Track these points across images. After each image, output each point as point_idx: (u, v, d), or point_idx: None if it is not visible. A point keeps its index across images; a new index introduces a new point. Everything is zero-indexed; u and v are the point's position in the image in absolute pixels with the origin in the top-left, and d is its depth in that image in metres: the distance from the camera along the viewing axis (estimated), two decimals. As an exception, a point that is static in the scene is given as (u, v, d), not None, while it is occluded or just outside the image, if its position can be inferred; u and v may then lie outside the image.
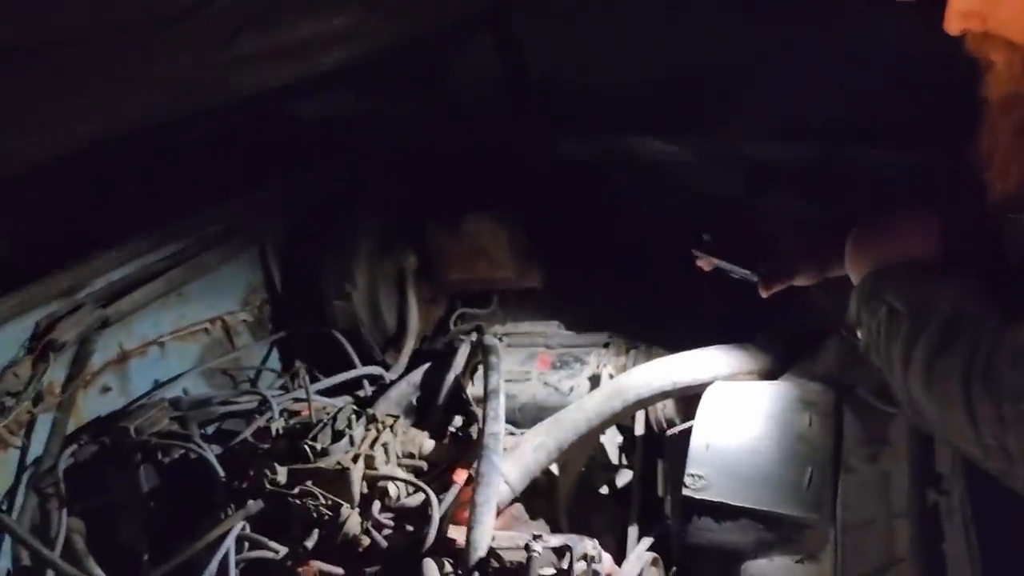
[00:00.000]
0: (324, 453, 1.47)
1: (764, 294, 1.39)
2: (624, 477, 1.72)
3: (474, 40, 2.15)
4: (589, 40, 2.15)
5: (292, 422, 1.59)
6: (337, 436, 1.51)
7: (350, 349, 1.89)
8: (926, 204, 1.22)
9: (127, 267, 1.65)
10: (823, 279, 1.39)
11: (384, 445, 1.52)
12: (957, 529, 0.94)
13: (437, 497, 1.41)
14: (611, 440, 1.68)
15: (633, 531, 1.50)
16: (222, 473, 1.50)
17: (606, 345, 1.81)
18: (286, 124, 1.98)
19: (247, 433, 1.60)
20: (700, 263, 1.44)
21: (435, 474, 1.53)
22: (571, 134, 2.20)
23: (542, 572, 1.17)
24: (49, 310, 1.51)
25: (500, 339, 1.91)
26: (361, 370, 1.85)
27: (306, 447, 1.47)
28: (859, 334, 1.13)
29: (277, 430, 1.57)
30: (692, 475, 1.17)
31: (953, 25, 1.03)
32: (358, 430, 1.52)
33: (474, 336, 1.84)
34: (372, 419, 1.56)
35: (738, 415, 1.27)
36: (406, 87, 2.11)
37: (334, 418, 1.55)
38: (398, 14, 1.79)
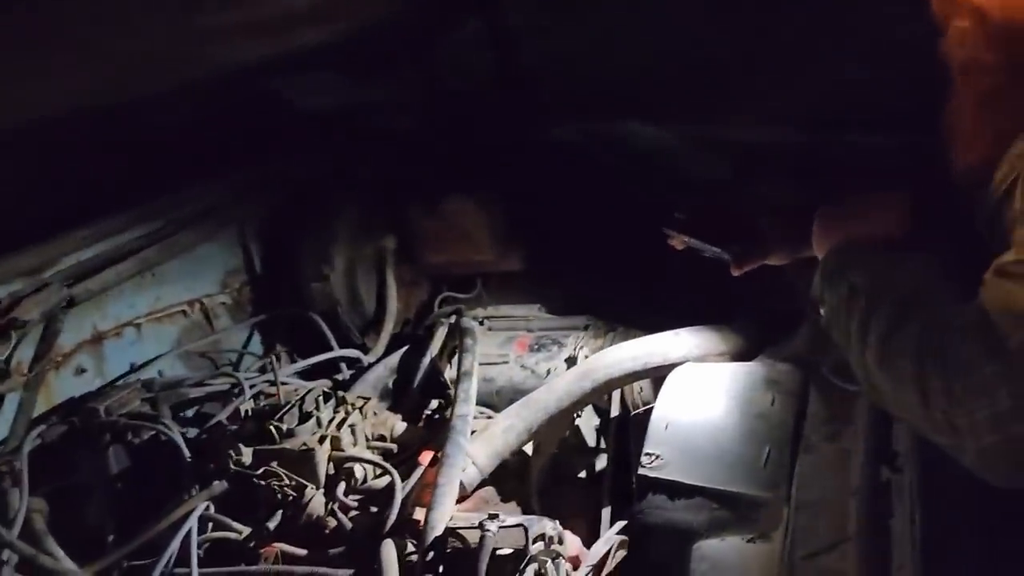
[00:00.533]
0: (290, 434, 1.46)
1: (736, 273, 1.36)
2: (601, 460, 1.69)
3: (463, 20, 2.12)
4: (578, 23, 2.12)
5: (262, 404, 1.58)
6: (304, 418, 1.50)
7: (327, 331, 1.88)
8: (894, 182, 1.20)
9: (97, 246, 1.63)
10: (796, 259, 1.36)
11: (352, 427, 1.50)
12: (905, 506, 0.91)
13: (404, 479, 1.40)
14: (587, 422, 1.65)
15: (606, 513, 1.48)
16: (188, 454, 1.49)
17: (586, 328, 1.79)
18: (266, 103, 1.96)
19: (222, 416, 1.59)
20: (672, 241, 1.42)
21: (405, 456, 1.52)
22: (557, 117, 2.18)
23: (500, 551, 1.14)
24: (12, 288, 1.49)
25: (481, 322, 1.90)
26: (338, 352, 1.84)
27: (272, 428, 1.46)
28: (822, 311, 1.10)
29: (246, 411, 1.56)
30: (649, 454, 1.15)
31: None
32: (326, 412, 1.50)
33: (453, 319, 1.82)
34: (341, 401, 1.54)
35: (701, 395, 1.24)
36: (391, 67, 2.08)
37: (302, 399, 1.54)
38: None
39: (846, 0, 1.67)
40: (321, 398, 1.54)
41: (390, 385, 1.78)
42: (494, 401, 1.74)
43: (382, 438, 1.57)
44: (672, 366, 1.43)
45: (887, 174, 1.31)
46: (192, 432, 1.61)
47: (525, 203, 1.96)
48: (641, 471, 1.14)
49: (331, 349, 1.87)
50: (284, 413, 1.49)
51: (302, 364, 1.82)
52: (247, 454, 1.44)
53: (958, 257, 1.05)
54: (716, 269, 1.41)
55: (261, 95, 1.92)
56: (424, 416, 1.70)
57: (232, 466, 1.44)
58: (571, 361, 1.69)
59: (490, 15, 2.09)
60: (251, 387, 1.65)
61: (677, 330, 1.51)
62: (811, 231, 1.24)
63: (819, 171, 1.93)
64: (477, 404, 1.66)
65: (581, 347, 1.70)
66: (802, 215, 1.33)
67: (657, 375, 1.46)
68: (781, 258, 1.37)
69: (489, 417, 1.66)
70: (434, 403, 1.73)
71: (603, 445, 1.68)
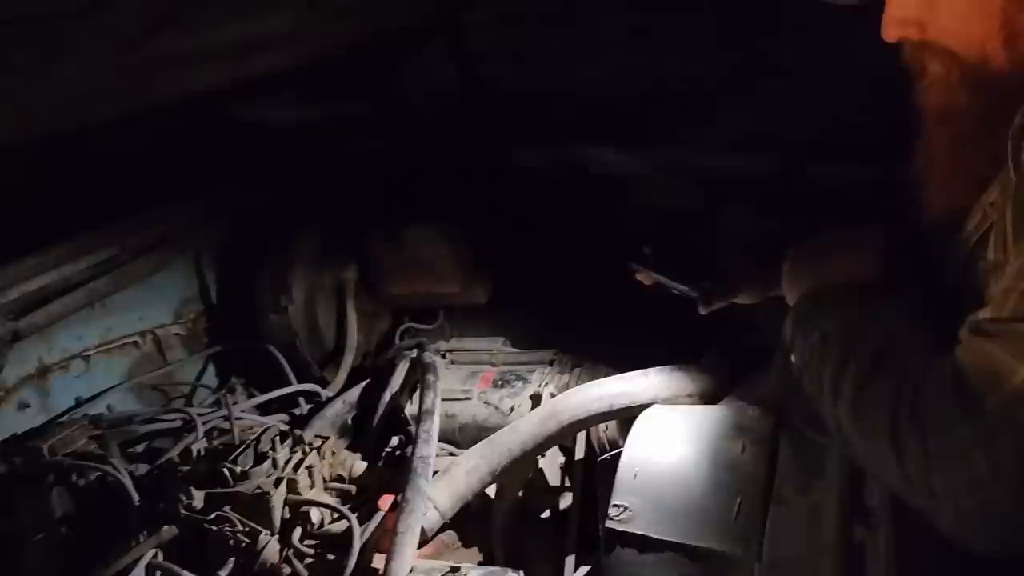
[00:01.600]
0: (244, 476, 1.40)
1: (703, 311, 1.34)
2: (566, 500, 1.65)
3: (428, 45, 2.09)
4: (546, 48, 2.10)
5: (215, 442, 1.52)
6: (260, 458, 1.45)
7: (286, 365, 1.82)
8: (868, 223, 1.18)
9: (43, 277, 1.57)
10: (766, 298, 1.35)
11: (309, 468, 1.45)
12: (880, 568, 0.89)
13: (362, 524, 1.35)
14: (551, 462, 1.61)
15: (570, 561, 1.44)
16: (136, 497, 1.42)
17: (551, 363, 1.76)
18: (225, 129, 1.91)
19: (172, 454, 1.53)
20: (640, 276, 1.39)
21: (365, 499, 1.47)
22: (525, 144, 2.15)
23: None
24: (-48, 323, 1.43)
25: (443, 356, 1.85)
26: (295, 387, 1.78)
27: (225, 470, 1.40)
28: (793, 359, 1.08)
29: (199, 451, 1.50)
30: (617, 505, 1.11)
31: (890, 32, 0.99)
32: (282, 452, 1.45)
33: (415, 353, 1.78)
34: (298, 440, 1.49)
35: (670, 441, 1.21)
36: (354, 93, 2.05)
37: (257, 439, 1.48)
38: (342, 15, 1.73)
39: (817, 29, 1.68)
40: (278, 438, 1.49)
41: (349, 421, 1.73)
42: (457, 438, 1.70)
43: (340, 479, 1.52)
44: (640, 407, 1.40)
45: (861, 210, 1.30)
46: (143, 471, 1.55)
47: (490, 232, 1.92)
48: (609, 524, 1.11)
49: (289, 383, 1.81)
50: (238, 454, 1.43)
51: (258, 399, 1.76)
52: (198, 498, 1.38)
53: (933, 303, 1.04)
54: (685, 305, 1.39)
55: (220, 121, 1.87)
56: (384, 454, 1.66)
57: (182, 511, 1.37)
58: (536, 398, 1.65)
59: (454, 40, 2.07)
60: (204, 424, 1.59)
61: (646, 370, 1.48)
62: (778, 268, 1.22)
63: (791, 203, 1.93)
64: (439, 441, 1.62)
65: (546, 383, 1.67)
66: (772, 254, 1.31)
67: (624, 416, 1.43)
68: (750, 297, 1.35)
69: (451, 455, 1.62)
70: (395, 440, 1.68)
71: (568, 485, 1.65)
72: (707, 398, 1.44)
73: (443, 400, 1.70)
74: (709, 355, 1.54)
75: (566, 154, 2.10)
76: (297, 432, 1.51)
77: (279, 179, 1.95)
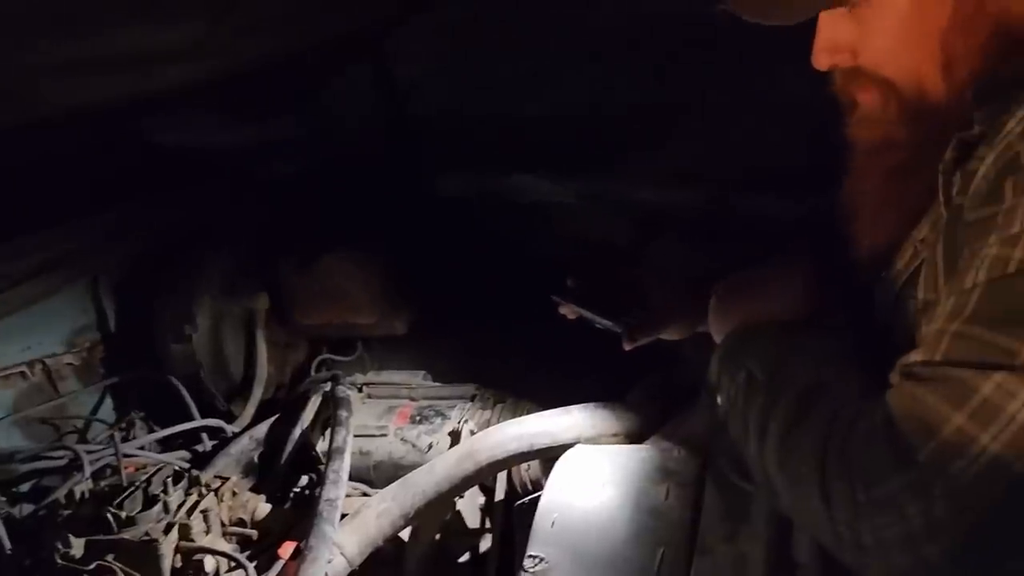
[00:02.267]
0: (130, 522, 1.28)
1: (628, 347, 1.28)
2: (486, 543, 1.57)
3: (352, 65, 2.02)
4: (470, 73, 2.05)
5: (102, 484, 1.39)
6: (150, 502, 1.33)
7: (188, 399, 1.70)
8: (797, 259, 1.14)
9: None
10: (693, 333, 1.30)
11: (205, 512, 1.33)
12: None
13: (261, 573, 1.25)
14: (470, 503, 1.53)
15: (487, 610, 1.36)
16: (8, 545, 1.29)
17: (473, 398, 1.68)
18: (127, 144, 1.79)
19: (58, 495, 1.41)
20: (563, 310, 1.33)
21: (267, 544, 1.36)
22: (449, 170, 2.09)
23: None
24: None
25: (360, 389, 1.76)
26: (198, 422, 1.66)
27: (109, 515, 1.28)
28: (719, 399, 1.03)
29: (83, 493, 1.37)
30: (532, 556, 1.04)
31: (821, 59, 0.94)
32: (175, 494, 1.33)
33: (329, 386, 1.68)
34: (194, 481, 1.38)
35: (590, 485, 1.14)
36: (271, 111, 1.95)
37: (148, 480, 1.37)
38: (258, 29, 1.64)
39: (751, 60, 1.66)
40: (171, 479, 1.38)
41: (256, 459, 1.62)
42: (371, 477, 1.60)
43: (242, 522, 1.41)
44: (562, 447, 1.33)
45: (792, 244, 1.26)
46: (27, 513, 1.42)
47: (411, 261, 1.84)
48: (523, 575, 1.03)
49: (192, 418, 1.69)
50: (125, 497, 1.31)
51: (156, 435, 1.64)
52: (77, 546, 1.26)
53: (863, 342, 1.00)
54: (612, 339, 1.33)
55: (121, 135, 1.76)
56: (293, 495, 1.55)
57: (59, 560, 1.25)
58: (455, 435, 1.57)
59: (378, 61, 2.00)
60: (93, 462, 1.47)
61: (569, 407, 1.42)
62: (708, 306, 1.17)
63: (721, 236, 1.91)
64: (352, 480, 1.53)
65: (466, 420, 1.59)
66: (699, 288, 1.27)
67: (546, 456, 1.36)
68: (676, 332, 1.30)
69: (365, 495, 1.53)
70: (304, 480, 1.58)
71: (488, 526, 1.57)
72: (632, 437, 1.38)
73: (358, 436, 1.61)
74: (635, 392, 1.48)
75: (493, 182, 2.04)
76: (194, 472, 1.40)
77: (187, 199, 1.84)
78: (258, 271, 1.79)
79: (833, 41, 0.92)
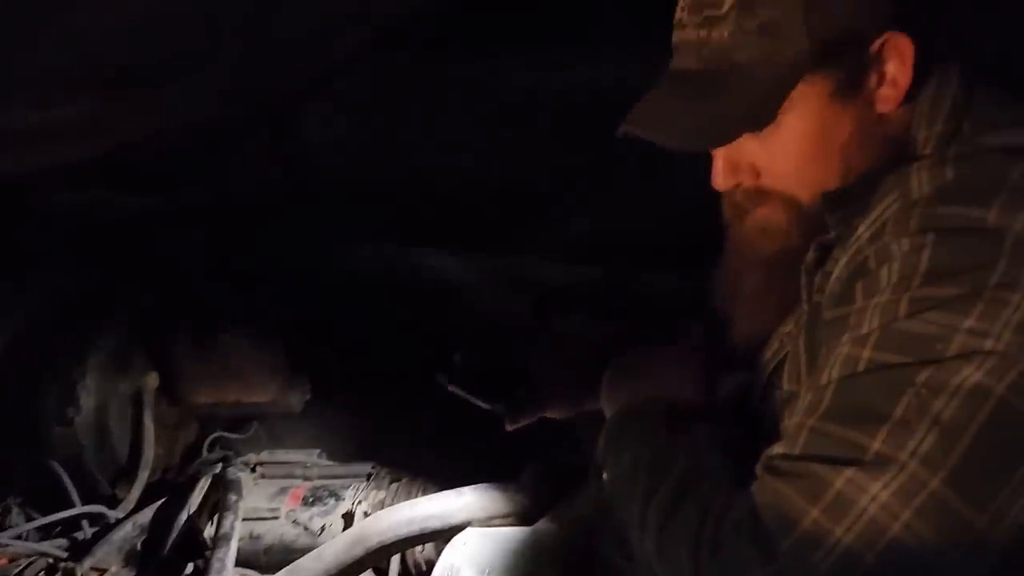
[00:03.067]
0: (-3, 620, 1.22)
1: (509, 428, 1.27)
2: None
3: (252, 135, 2.01)
4: (377, 143, 2.07)
5: (-32, 580, 1.32)
6: (18, 599, 1.27)
7: (69, 484, 1.62)
8: (692, 343, 1.17)
9: None
10: (578, 413, 1.31)
11: (78, 608, 1.28)
12: None
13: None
14: (363, 587, 1.50)
15: None
16: None
17: (368, 477, 1.66)
18: (18, 218, 1.74)
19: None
20: (450, 388, 1.33)
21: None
22: (351, 243, 2.09)
23: None
24: None
25: (254, 469, 1.72)
26: (78, 509, 1.59)
27: (-28, 614, 1.21)
28: (605, 478, 1.04)
29: (-55, 591, 1.30)
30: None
31: (721, 180, 0.96)
32: (48, 589, 1.27)
33: (219, 467, 1.64)
34: (69, 573, 1.32)
35: (479, 571, 1.14)
36: (167, 182, 1.92)
37: (21, 573, 1.30)
38: (152, 105, 1.63)
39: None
40: (44, 572, 1.31)
41: (139, 547, 1.56)
42: (262, 561, 1.56)
43: (119, 616, 1.35)
44: (453, 529, 1.32)
45: (689, 327, 1.29)
46: None
47: (308, 337, 1.82)
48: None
49: (72, 504, 1.62)
50: (-9, 595, 1.25)
51: (33, 523, 1.55)
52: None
53: (742, 429, 1.03)
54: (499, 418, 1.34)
55: (12, 209, 1.70)
56: (177, 585, 1.49)
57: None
58: (348, 517, 1.55)
59: (281, 133, 2.00)
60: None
61: (461, 488, 1.42)
62: (590, 381, 1.19)
63: (619, 313, 1.95)
64: (242, 566, 1.49)
65: (360, 501, 1.57)
66: (585, 367, 1.29)
67: (437, 539, 1.35)
68: (560, 412, 1.30)
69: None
70: (190, 568, 1.52)
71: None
72: (524, 518, 1.38)
73: (249, 520, 1.57)
74: (528, 471, 1.49)
75: (394, 256, 2.05)
76: (69, 564, 1.34)
77: (72, 272, 1.78)
78: (148, 348, 1.74)
79: (735, 162, 0.94)
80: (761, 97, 0.86)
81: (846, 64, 0.86)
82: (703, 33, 0.88)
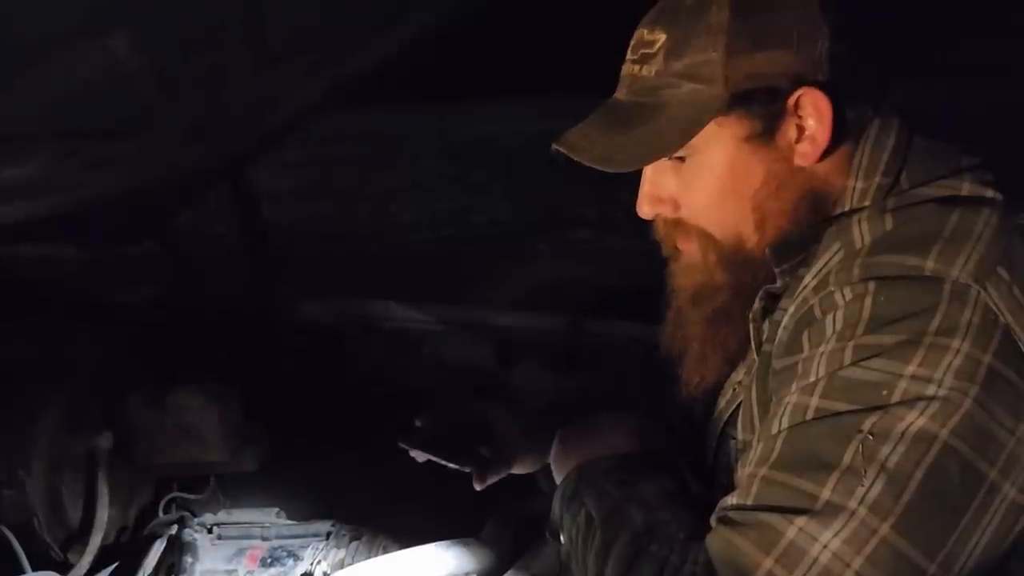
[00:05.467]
0: None
1: (479, 487, 1.27)
2: None
3: (207, 191, 2.00)
4: (334, 196, 2.08)
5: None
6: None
7: (19, 549, 1.57)
8: (633, 402, 1.18)
9: None
10: (543, 466, 1.31)
11: None
12: None
13: None
14: (323, 650, 1.47)
15: None
16: None
17: (328, 535, 1.62)
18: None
19: None
20: (413, 454, 1.32)
21: None
22: (308, 297, 2.08)
23: None
24: None
25: (211, 530, 1.68)
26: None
27: None
28: (562, 539, 1.04)
29: None
30: None
31: (645, 209, 1.01)
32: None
33: (174, 529, 1.60)
34: (15, 646, 1.27)
35: (440, 631, 1.12)
36: (121, 239, 1.91)
37: (-37, 648, 1.25)
38: (104, 164, 1.62)
39: (609, 182, 1.74)
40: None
41: (91, 614, 1.51)
42: (220, 626, 1.52)
43: None
44: (415, 588, 1.30)
45: (644, 371, 1.30)
46: None
47: (266, 392, 1.80)
48: None
49: (22, 570, 1.56)
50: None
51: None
52: None
53: (696, 479, 1.03)
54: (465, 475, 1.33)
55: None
56: (129, 653, 1.45)
57: None
58: (307, 577, 1.51)
59: (237, 188, 2.00)
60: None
61: (424, 546, 1.40)
62: (551, 436, 1.19)
63: (576, 362, 1.95)
64: (197, 631, 1.44)
65: (319, 560, 1.53)
66: (547, 420, 1.29)
67: (398, 599, 1.32)
68: (527, 466, 1.31)
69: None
70: (143, 635, 1.48)
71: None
72: (488, 574, 1.36)
73: (204, 583, 1.53)
74: (490, 526, 1.47)
75: (353, 307, 2.05)
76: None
77: (24, 331, 1.74)
78: (102, 408, 1.70)
79: (657, 193, 0.99)
80: (671, 130, 0.91)
81: (758, 112, 0.91)
82: (636, 69, 0.95)
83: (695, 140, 0.92)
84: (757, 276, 0.96)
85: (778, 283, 0.93)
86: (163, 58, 1.24)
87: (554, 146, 0.98)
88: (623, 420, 1.10)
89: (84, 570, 1.61)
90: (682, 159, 0.95)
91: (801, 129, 0.91)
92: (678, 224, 1.00)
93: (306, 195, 2.02)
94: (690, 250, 1.01)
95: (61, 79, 1.17)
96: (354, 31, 1.49)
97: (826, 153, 0.91)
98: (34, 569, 1.58)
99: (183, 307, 1.88)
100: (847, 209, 0.90)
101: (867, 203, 0.89)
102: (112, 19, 1.10)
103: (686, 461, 1.04)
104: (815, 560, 0.74)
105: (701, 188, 0.96)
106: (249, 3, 1.24)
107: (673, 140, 0.92)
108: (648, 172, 1.00)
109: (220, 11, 1.23)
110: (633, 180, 1.04)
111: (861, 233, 0.86)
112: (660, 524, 0.90)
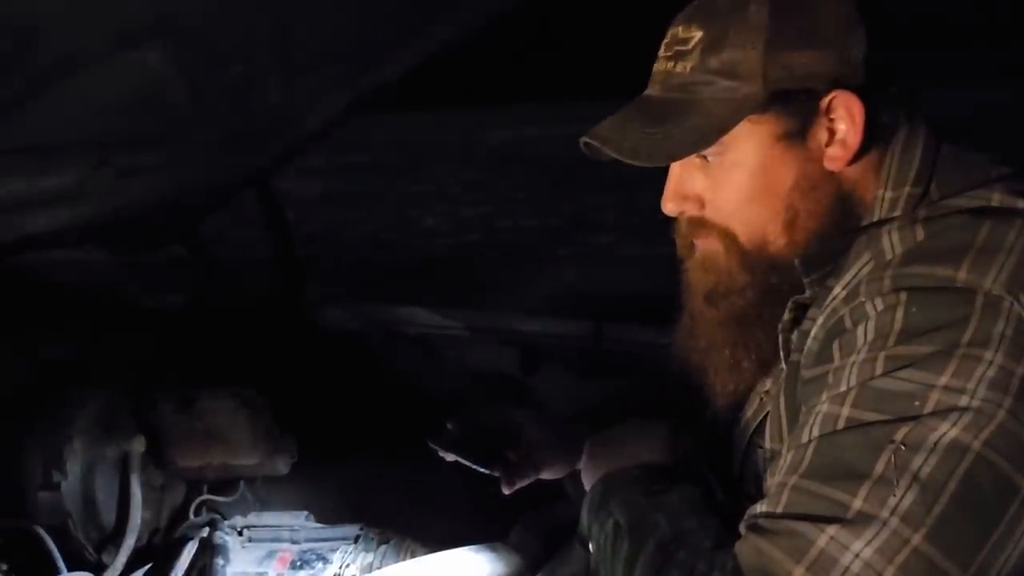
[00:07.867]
0: None
1: (507, 491, 1.29)
2: None
3: (235, 199, 2.03)
4: (359, 204, 2.09)
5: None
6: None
7: (54, 549, 1.59)
8: (661, 410, 1.19)
9: None
10: (572, 471, 1.32)
11: None
12: None
13: None
14: (351, 653, 1.48)
15: None
16: None
17: (356, 539, 1.64)
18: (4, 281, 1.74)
19: None
20: (442, 454, 1.33)
21: None
22: (336, 302, 2.11)
23: None
24: None
25: (241, 532, 1.70)
26: (63, 576, 1.56)
27: None
28: (590, 547, 1.05)
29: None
30: None
31: (670, 206, 1.01)
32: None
33: (206, 531, 1.62)
34: (52, 647, 1.29)
35: (469, 636, 1.13)
36: (152, 246, 1.94)
37: (1, 649, 1.27)
38: (137, 173, 1.65)
39: (629, 187, 1.75)
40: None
41: (125, 614, 1.53)
42: (250, 627, 1.54)
43: None
44: (443, 593, 1.31)
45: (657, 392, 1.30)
46: None
47: (294, 398, 1.82)
48: None
49: (58, 570, 1.59)
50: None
51: (15, 592, 1.53)
52: None
53: (723, 489, 1.04)
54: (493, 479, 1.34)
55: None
56: (164, 654, 1.47)
57: None
58: (337, 580, 1.53)
59: (264, 196, 2.02)
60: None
61: (452, 550, 1.41)
62: (581, 442, 1.20)
63: (601, 368, 1.96)
64: (229, 633, 1.46)
65: (348, 563, 1.55)
66: (575, 426, 1.30)
67: (427, 603, 1.34)
68: (555, 472, 1.32)
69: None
70: (177, 636, 1.51)
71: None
72: (514, 580, 1.37)
73: (236, 584, 1.55)
74: (517, 530, 1.48)
75: (379, 314, 2.07)
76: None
77: (61, 336, 1.78)
78: (135, 411, 1.73)
79: (683, 190, 0.99)
80: (706, 126, 0.91)
81: (794, 112, 0.91)
82: (671, 65, 0.95)
83: (726, 137, 0.92)
84: (783, 280, 0.96)
85: (807, 293, 0.93)
86: (194, 71, 1.26)
87: (584, 139, 0.98)
88: (651, 429, 1.10)
89: (118, 571, 1.64)
90: (708, 157, 0.96)
91: (832, 132, 0.91)
92: (701, 223, 1.00)
93: (331, 201, 2.04)
94: (709, 248, 1.00)
95: (96, 91, 1.20)
96: (379, 43, 1.51)
97: (855, 158, 0.91)
98: (69, 570, 1.61)
99: (211, 312, 1.90)
100: (876, 219, 0.90)
101: (897, 213, 0.89)
102: (146, 33, 1.13)
103: (711, 470, 1.04)
104: (846, 569, 0.75)
105: (731, 186, 0.96)
106: (277, 17, 1.26)
107: (708, 136, 0.92)
108: (675, 169, 1.00)
109: (249, 25, 1.25)
110: (655, 184, 1.04)
111: (892, 244, 0.86)
112: (687, 532, 0.91)
